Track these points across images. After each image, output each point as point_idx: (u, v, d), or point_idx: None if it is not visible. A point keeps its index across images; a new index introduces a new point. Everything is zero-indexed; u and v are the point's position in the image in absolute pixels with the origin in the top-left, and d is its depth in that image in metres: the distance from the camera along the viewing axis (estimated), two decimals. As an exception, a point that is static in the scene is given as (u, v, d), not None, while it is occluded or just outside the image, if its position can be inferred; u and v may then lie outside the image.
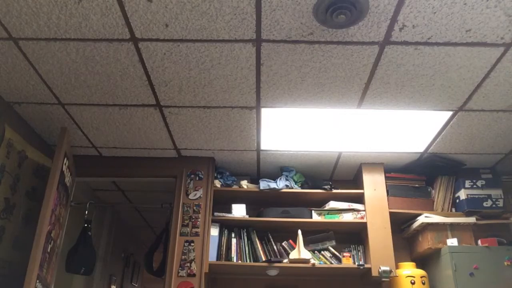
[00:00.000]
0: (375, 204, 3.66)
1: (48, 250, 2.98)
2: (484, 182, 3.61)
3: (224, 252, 3.59)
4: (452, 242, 3.41)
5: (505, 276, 3.19)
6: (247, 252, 3.62)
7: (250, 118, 3.09)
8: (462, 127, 3.17)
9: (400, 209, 3.65)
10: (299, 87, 2.71)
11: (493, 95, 2.75)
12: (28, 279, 2.61)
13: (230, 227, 3.70)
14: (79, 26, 2.22)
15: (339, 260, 3.62)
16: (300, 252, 3.52)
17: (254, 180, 3.90)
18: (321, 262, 3.58)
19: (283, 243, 3.72)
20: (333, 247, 3.70)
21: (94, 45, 2.36)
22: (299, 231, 3.60)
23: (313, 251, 3.67)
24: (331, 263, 3.59)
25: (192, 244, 3.43)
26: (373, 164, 3.80)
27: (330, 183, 3.79)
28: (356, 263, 3.56)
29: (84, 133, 3.38)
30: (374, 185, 3.72)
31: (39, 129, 3.36)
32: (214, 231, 3.59)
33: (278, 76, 2.60)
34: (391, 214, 3.62)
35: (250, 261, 3.59)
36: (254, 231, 3.72)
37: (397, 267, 3.53)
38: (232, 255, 3.58)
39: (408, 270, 3.50)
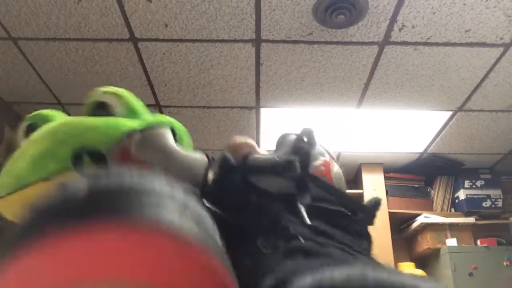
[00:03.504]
0: (374, 204, 3.65)
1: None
2: (483, 182, 3.61)
3: (223, 252, 3.59)
4: (451, 242, 3.41)
5: (504, 276, 3.19)
6: (246, 252, 3.62)
7: (250, 118, 3.09)
8: (461, 127, 3.17)
9: (400, 209, 3.65)
10: (299, 87, 2.71)
11: (492, 95, 2.75)
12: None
13: (229, 227, 3.70)
14: (79, 26, 2.21)
15: (338, 260, 3.61)
16: (300, 252, 3.52)
17: (254, 180, 3.89)
18: (321, 262, 3.58)
19: (282, 243, 3.72)
20: (332, 247, 3.69)
21: (93, 45, 2.36)
22: (299, 231, 3.60)
23: (312, 251, 3.67)
24: (331, 263, 3.59)
25: (191, 244, 3.42)
26: (373, 164, 3.80)
27: (330, 183, 3.78)
28: (356, 263, 3.56)
29: (84, 133, 3.38)
30: (373, 185, 3.72)
31: (38, 129, 3.35)
32: (214, 231, 3.59)
33: (278, 76, 2.60)
34: (390, 214, 3.62)
35: (249, 261, 3.59)
36: (254, 231, 3.72)
37: (396, 267, 3.53)
38: (232, 255, 3.58)
39: (407, 270, 3.50)
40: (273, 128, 3.23)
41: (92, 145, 0.59)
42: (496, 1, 2.00)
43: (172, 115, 3.07)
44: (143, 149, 0.49)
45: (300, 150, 0.45)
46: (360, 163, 3.81)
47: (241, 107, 2.97)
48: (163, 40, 2.31)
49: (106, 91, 0.71)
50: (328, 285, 0.28)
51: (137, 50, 2.40)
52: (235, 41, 2.30)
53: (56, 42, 2.34)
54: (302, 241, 0.34)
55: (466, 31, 2.20)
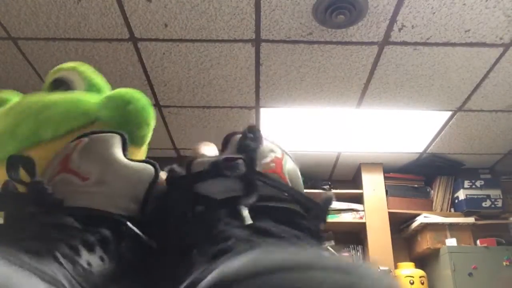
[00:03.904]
0: (374, 204, 3.66)
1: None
2: (483, 182, 3.62)
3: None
4: (451, 242, 3.41)
5: (504, 276, 3.19)
6: (246, 252, 3.62)
7: (249, 118, 3.09)
8: (461, 127, 3.17)
9: (399, 209, 3.65)
10: (298, 87, 2.71)
11: (492, 95, 2.76)
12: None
13: (229, 227, 3.70)
14: (78, 26, 2.21)
15: (338, 260, 3.61)
16: (299, 252, 3.51)
17: (253, 180, 3.89)
18: (320, 262, 3.58)
19: (282, 243, 3.72)
20: (332, 247, 3.67)
21: (93, 45, 2.36)
22: (298, 231, 3.60)
23: (312, 251, 3.66)
24: (330, 263, 3.59)
25: (191, 244, 3.42)
26: (372, 164, 3.80)
27: (329, 183, 3.79)
28: (355, 263, 3.56)
29: (83, 133, 3.38)
30: (373, 185, 3.72)
31: (38, 129, 3.35)
32: (213, 231, 3.59)
33: (277, 76, 2.60)
34: (390, 214, 3.62)
35: (249, 261, 3.59)
36: (253, 231, 3.71)
37: (396, 267, 3.53)
38: (231, 255, 3.57)
39: (407, 270, 3.50)
40: (273, 128, 3.23)
41: (53, 125, 0.56)
42: (496, 1, 2.00)
43: (172, 115, 3.08)
44: (83, 158, 0.44)
45: (245, 148, 0.42)
46: (360, 163, 3.81)
47: (241, 107, 2.96)
48: (163, 40, 2.31)
49: (62, 67, 0.67)
50: (228, 278, 0.27)
51: (137, 50, 2.39)
52: (235, 41, 2.30)
53: (56, 42, 2.34)
54: (230, 243, 0.32)
55: (466, 31, 2.20)
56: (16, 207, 0.40)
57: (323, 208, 0.44)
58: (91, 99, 0.60)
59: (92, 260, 0.37)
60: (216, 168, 0.40)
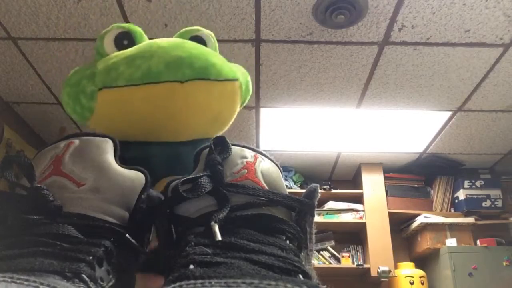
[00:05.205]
0: (374, 204, 3.66)
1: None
2: (483, 182, 3.62)
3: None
4: (451, 242, 3.41)
5: (504, 276, 3.20)
6: (246, 252, 3.62)
7: (250, 118, 3.09)
8: (461, 127, 3.17)
9: (399, 209, 3.65)
10: (298, 87, 2.71)
11: (492, 95, 2.76)
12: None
13: (229, 227, 3.70)
14: (78, 26, 2.21)
15: (338, 260, 3.62)
16: (299, 252, 3.52)
17: (253, 180, 3.89)
18: (320, 262, 3.58)
19: (282, 243, 3.72)
20: (332, 247, 3.70)
21: (93, 45, 2.36)
22: (298, 231, 3.60)
23: (312, 251, 3.67)
24: (330, 263, 3.59)
25: (191, 244, 3.42)
26: (372, 164, 3.80)
27: (329, 183, 3.79)
28: (355, 263, 3.56)
29: (83, 133, 3.38)
30: (373, 185, 3.72)
31: (38, 129, 3.35)
32: (213, 231, 3.59)
33: (277, 76, 2.60)
34: (390, 214, 3.62)
35: (249, 261, 3.59)
36: (253, 231, 3.71)
37: (396, 267, 3.54)
38: (231, 255, 3.58)
39: (407, 270, 3.51)
40: (273, 128, 3.23)
41: (219, 67, 0.63)
42: (496, 1, 2.00)
43: (172, 115, 3.08)
44: (77, 162, 0.42)
45: (211, 162, 0.42)
46: (360, 163, 3.81)
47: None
48: (163, 40, 2.31)
49: (199, 28, 0.75)
50: None
51: (137, 50, 2.39)
52: (235, 41, 2.30)
53: (55, 42, 2.34)
54: (187, 270, 0.32)
55: (466, 31, 2.20)
56: (14, 213, 0.39)
57: (308, 202, 0.43)
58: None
59: (103, 275, 0.37)
60: (176, 193, 0.40)
